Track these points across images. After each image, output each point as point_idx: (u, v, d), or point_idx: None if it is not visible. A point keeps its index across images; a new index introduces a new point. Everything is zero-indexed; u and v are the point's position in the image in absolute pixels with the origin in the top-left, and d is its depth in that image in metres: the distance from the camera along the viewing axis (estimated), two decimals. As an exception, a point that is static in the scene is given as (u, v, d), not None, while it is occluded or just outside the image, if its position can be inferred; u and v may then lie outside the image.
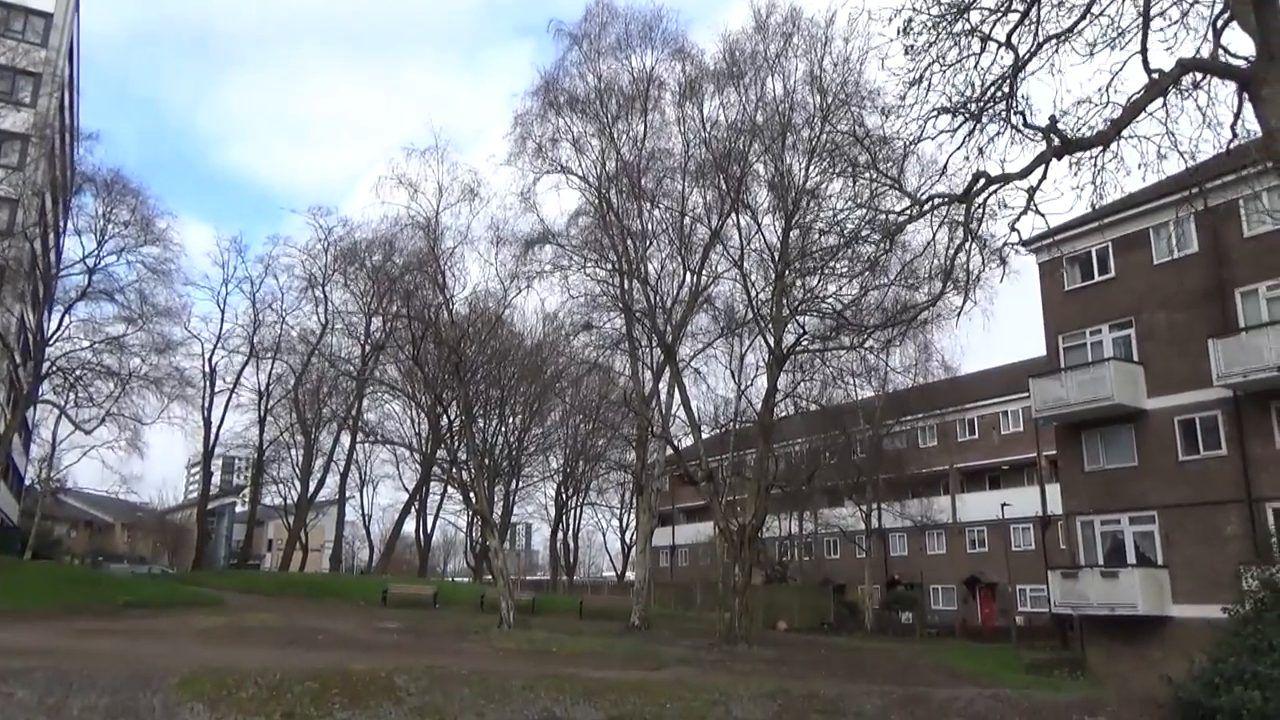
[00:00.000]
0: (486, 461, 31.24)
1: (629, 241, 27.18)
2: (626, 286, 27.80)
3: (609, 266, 27.69)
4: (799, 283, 23.96)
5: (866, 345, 23.59)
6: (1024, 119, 14.66)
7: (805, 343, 23.77)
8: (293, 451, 56.22)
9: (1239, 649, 13.29)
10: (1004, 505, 37.85)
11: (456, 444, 30.40)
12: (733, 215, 26.03)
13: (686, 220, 26.89)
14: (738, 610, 23.22)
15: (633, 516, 72.13)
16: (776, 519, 42.72)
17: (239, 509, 72.67)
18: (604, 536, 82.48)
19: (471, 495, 28.84)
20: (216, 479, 70.88)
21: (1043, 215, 14.49)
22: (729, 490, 27.60)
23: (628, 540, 72.53)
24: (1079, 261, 28.11)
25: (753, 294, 24.63)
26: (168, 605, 28.12)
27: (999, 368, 48.31)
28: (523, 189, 28.18)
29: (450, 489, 54.02)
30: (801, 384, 25.08)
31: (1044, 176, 14.24)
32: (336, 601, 34.02)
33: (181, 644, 18.53)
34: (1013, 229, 14.38)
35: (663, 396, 28.72)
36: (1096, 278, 27.59)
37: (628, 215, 27.54)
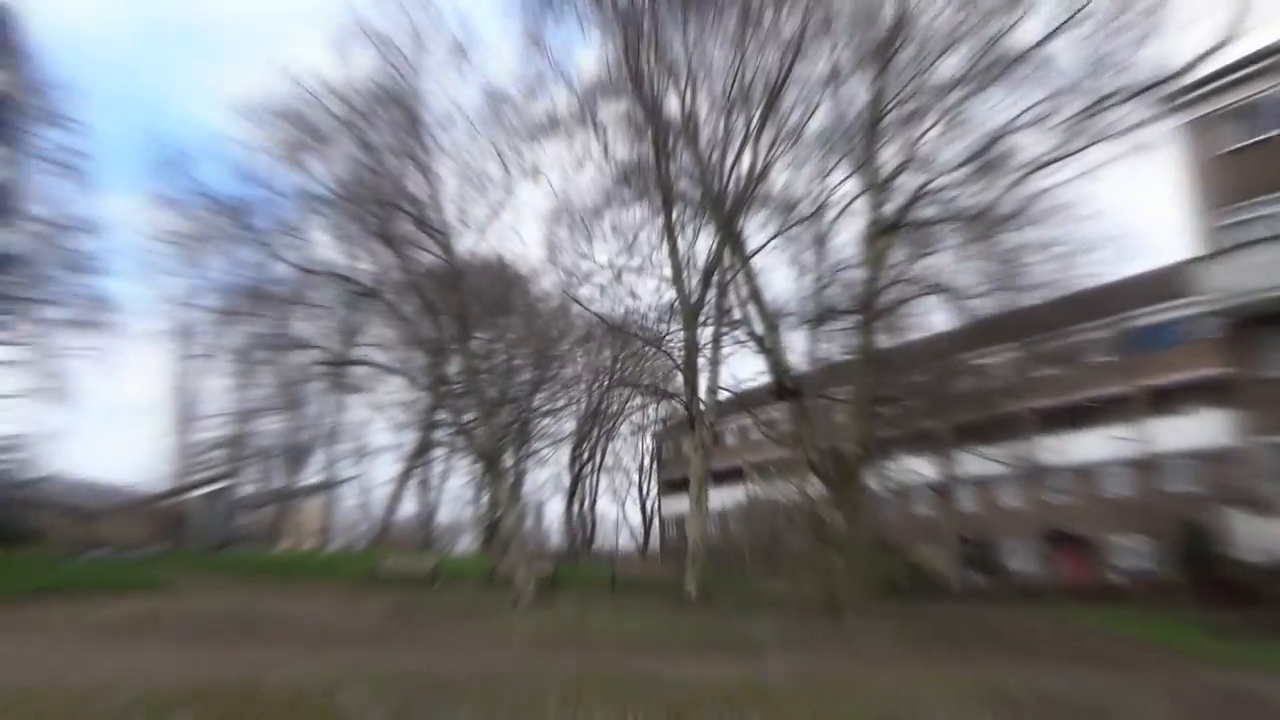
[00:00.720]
0: (490, 397, 24.48)
1: (670, 98, 20.55)
2: (665, 164, 21.12)
3: (643, 136, 21.01)
4: (903, 135, 17.63)
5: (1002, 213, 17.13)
6: None
7: (927, 198, 17.13)
8: (278, 423, 50.34)
9: None
10: (1120, 439, 31.58)
11: (450, 366, 23.91)
12: (803, 59, 19.57)
13: (746, 73, 20.20)
14: (841, 572, 16.88)
15: (651, 483, 66.40)
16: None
17: (244, 491, 67.54)
18: (622, 509, 76.96)
19: (475, 433, 22.63)
20: (213, 458, 65.34)
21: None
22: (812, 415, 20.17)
23: (648, 509, 66.81)
24: (1241, 114, 21.98)
25: (847, 144, 17.92)
26: (96, 590, 22.19)
27: (1081, 292, 41.91)
28: (527, 29, 21.36)
29: (453, 456, 48.37)
30: (916, 264, 18.47)
31: None
32: (318, 581, 28.09)
33: (46, 644, 12.59)
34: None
35: (712, 300, 21.67)
36: (1269, 132, 21.40)
37: (667, 69, 20.85)
